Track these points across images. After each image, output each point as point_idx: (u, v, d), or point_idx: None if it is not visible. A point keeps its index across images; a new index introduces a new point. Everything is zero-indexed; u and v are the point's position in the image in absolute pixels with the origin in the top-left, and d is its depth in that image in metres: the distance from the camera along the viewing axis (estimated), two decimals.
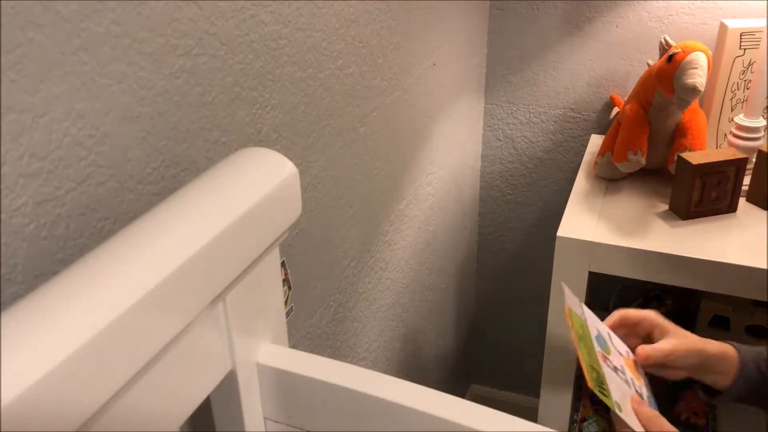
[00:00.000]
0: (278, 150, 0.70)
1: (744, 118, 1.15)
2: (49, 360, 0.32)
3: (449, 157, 1.35)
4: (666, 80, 1.12)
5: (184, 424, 0.53)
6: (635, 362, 0.83)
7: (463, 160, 1.47)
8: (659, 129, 1.20)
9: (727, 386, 0.86)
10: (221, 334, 0.49)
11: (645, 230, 1.11)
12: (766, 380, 0.85)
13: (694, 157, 1.09)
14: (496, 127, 1.59)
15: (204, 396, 0.48)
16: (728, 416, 1.35)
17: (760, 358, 0.86)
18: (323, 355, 0.55)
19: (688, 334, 0.86)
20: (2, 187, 0.40)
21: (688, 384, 0.93)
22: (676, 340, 0.84)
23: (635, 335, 0.87)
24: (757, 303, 1.26)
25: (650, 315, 0.86)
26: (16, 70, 0.40)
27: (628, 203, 1.20)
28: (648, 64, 1.25)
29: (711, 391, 0.88)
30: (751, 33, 1.17)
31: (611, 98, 1.45)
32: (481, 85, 1.53)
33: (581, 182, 1.28)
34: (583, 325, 0.77)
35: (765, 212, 1.13)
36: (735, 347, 0.86)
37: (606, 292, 1.52)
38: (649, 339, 0.86)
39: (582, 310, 0.80)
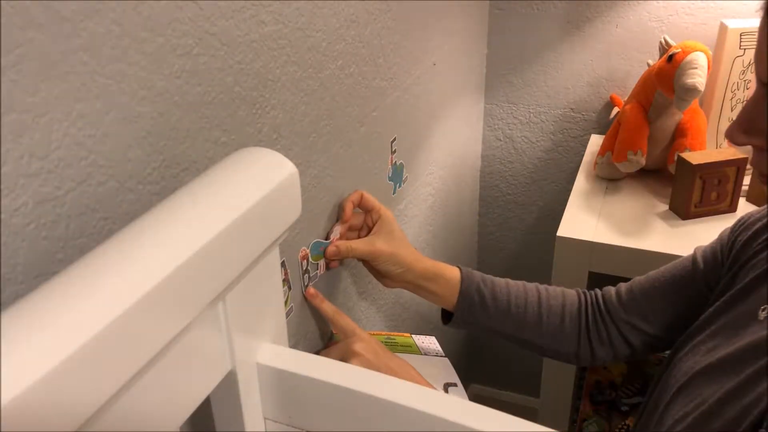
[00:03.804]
0: (278, 150, 0.70)
1: None
2: (49, 360, 0.32)
3: (449, 157, 1.35)
4: (666, 80, 1.12)
5: (184, 424, 0.53)
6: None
7: (463, 160, 1.47)
8: (659, 129, 1.20)
9: (452, 308, 0.88)
10: (221, 334, 0.49)
11: (645, 230, 1.11)
12: (487, 311, 0.87)
13: (694, 157, 1.09)
14: (496, 127, 1.59)
15: (204, 396, 0.48)
16: None
17: (486, 286, 0.87)
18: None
19: (403, 245, 0.84)
20: (2, 187, 0.40)
21: None
22: (380, 245, 0.82)
23: (363, 226, 0.87)
24: None
25: (382, 211, 0.85)
26: (16, 70, 0.40)
27: (628, 203, 1.20)
28: (648, 64, 1.25)
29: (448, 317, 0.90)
30: (751, 33, 1.17)
31: (611, 98, 1.45)
32: (481, 85, 1.53)
33: (581, 182, 1.28)
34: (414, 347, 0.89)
35: None
36: (462, 273, 0.87)
37: None
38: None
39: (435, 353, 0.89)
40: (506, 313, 0.87)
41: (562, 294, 0.90)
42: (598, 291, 0.91)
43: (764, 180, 0.66)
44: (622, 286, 0.89)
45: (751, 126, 0.63)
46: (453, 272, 0.87)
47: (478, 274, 0.89)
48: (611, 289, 0.90)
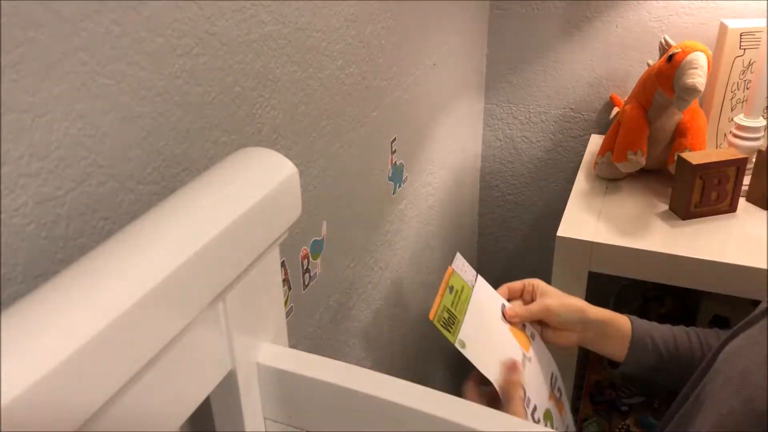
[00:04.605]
0: (278, 150, 0.70)
1: (744, 118, 1.15)
2: (49, 360, 0.32)
3: (449, 157, 1.35)
4: (666, 80, 1.12)
5: (184, 424, 0.53)
6: (529, 334, 0.88)
7: (463, 160, 1.47)
8: (659, 129, 1.20)
9: (623, 357, 0.88)
10: (221, 334, 0.49)
11: (645, 230, 1.11)
12: (660, 354, 0.87)
13: (694, 157, 1.09)
14: (496, 127, 1.59)
15: (204, 396, 0.48)
16: None
17: (653, 330, 0.88)
18: (323, 355, 0.55)
19: (571, 297, 0.88)
20: (2, 187, 0.40)
21: None
22: (551, 300, 0.87)
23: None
24: (757, 303, 1.26)
25: (533, 280, 0.90)
26: (16, 70, 0.40)
27: (628, 203, 1.20)
28: (648, 64, 1.25)
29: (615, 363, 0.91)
30: (751, 33, 1.17)
31: (611, 98, 1.45)
32: (481, 85, 1.53)
33: (581, 182, 1.28)
34: (465, 285, 0.84)
35: (765, 212, 1.13)
36: (630, 318, 0.89)
37: (606, 292, 1.51)
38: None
39: (473, 277, 0.87)
40: (675, 355, 0.87)
41: (715, 332, 0.89)
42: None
43: None
44: None
45: None
46: (622, 317, 0.89)
47: (638, 318, 0.89)
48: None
